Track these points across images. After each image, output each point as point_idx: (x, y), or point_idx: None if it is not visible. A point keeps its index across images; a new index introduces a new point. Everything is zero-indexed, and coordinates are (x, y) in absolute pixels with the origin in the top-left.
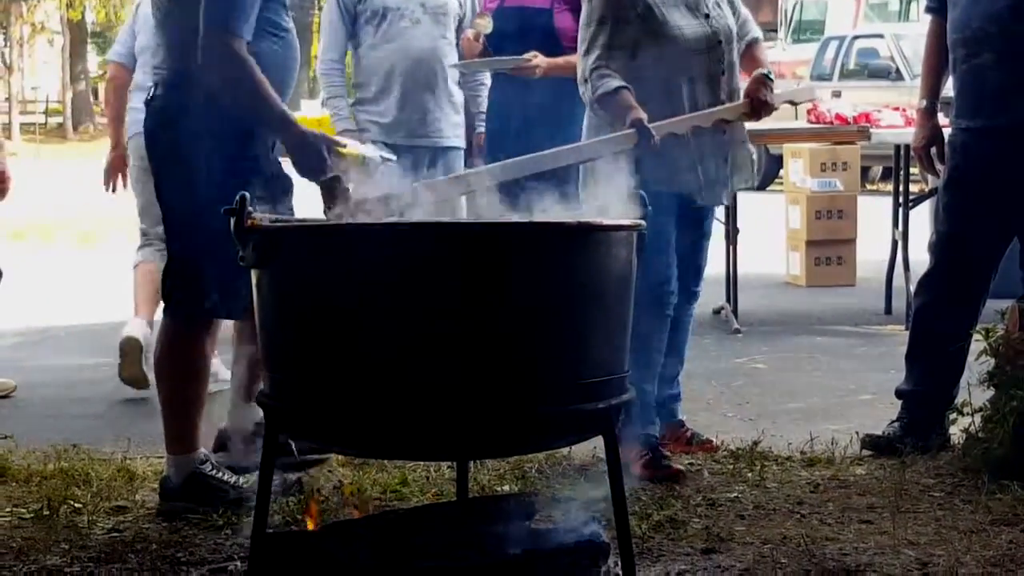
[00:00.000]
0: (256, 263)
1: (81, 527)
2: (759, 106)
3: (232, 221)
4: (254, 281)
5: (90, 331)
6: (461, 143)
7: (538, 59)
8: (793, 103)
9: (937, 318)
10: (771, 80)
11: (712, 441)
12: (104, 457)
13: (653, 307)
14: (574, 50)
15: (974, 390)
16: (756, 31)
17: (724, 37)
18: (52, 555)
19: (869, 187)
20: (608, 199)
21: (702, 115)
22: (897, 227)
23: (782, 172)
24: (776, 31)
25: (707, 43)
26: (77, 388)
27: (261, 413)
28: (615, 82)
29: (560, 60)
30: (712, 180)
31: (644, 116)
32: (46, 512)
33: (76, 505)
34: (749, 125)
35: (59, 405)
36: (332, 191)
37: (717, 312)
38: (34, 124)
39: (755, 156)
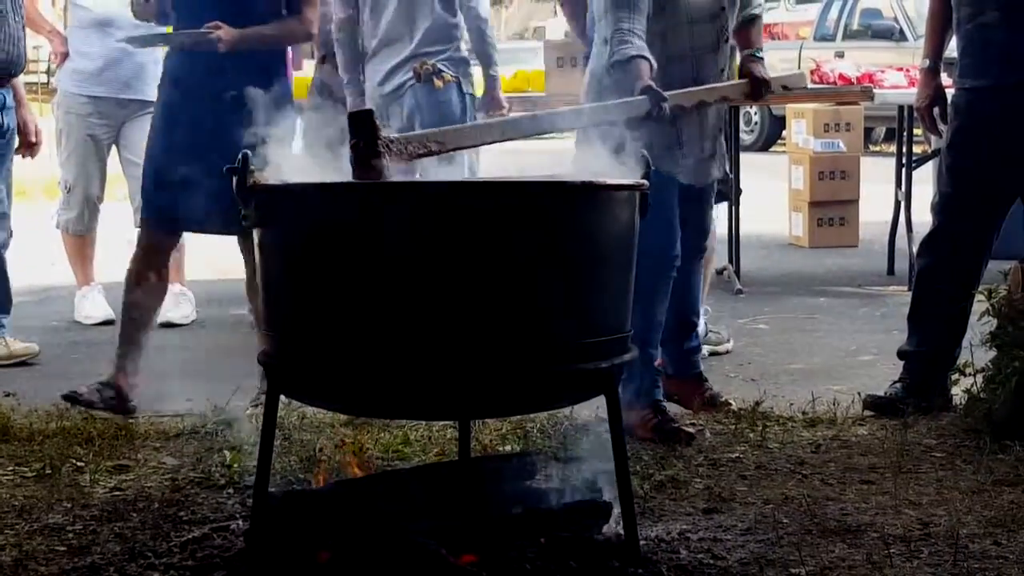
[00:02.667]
0: (258, 222)
1: (83, 486)
2: (759, 84)
3: (234, 180)
4: (256, 241)
5: None
6: None
7: (222, 31)
8: (787, 88)
9: (939, 279)
10: (761, 59)
11: (727, 403)
12: (106, 416)
13: (656, 270)
14: (272, 16)
15: (976, 351)
16: (759, 5)
17: (727, 2)
18: (54, 513)
19: (872, 148)
20: (604, 162)
21: (707, 89)
22: (900, 188)
23: (785, 133)
24: None
25: (710, 11)
26: (79, 347)
27: None
28: (632, 50)
29: (251, 32)
30: (704, 159)
31: (654, 84)
32: (48, 471)
33: (78, 464)
34: None
35: (61, 365)
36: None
37: (720, 273)
38: (36, 84)
39: (725, 149)
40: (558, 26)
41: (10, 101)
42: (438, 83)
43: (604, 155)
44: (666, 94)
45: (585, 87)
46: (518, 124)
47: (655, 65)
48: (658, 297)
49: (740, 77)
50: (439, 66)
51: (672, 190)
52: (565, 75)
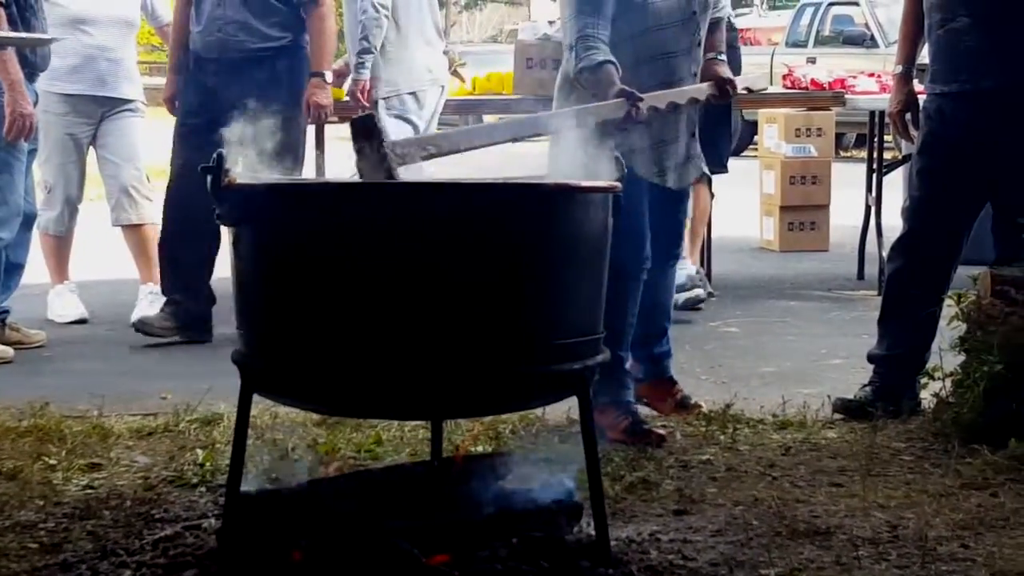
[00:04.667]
0: (232, 221)
1: (55, 483)
2: (724, 84)
3: (208, 179)
4: (230, 240)
5: None
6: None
7: None
8: (750, 90)
9: (909, 283)
10: (723, 62)
11: (698, 405)
12: (78, 415)
13: (626, 274)
14: None
15: (945, 355)
16: (725, 8)
17: (699, 7)
18: (26, 511)
19: (843, 153)
20: (577, 163)
21: (677, 92)
22: (871, 193)
23: (756, 138)
24: None
25: (681, 16)
26: (52, 346)
27: None
28: (599, 56)
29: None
30: (682, 162)
31: (627, 87)
32: (20, 469)
33: (50, 462)
34: None
35: (32, 363)
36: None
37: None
38: None
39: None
40: (530, 29)
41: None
42: None
43: (578, 157)
44: (646, 96)
45: (557, 89)
46: (507, 128)
47: (620, 71)
48: (629, 300)
49: (704, 80)
50: None
51: (642, 194)
52: (535, 76)
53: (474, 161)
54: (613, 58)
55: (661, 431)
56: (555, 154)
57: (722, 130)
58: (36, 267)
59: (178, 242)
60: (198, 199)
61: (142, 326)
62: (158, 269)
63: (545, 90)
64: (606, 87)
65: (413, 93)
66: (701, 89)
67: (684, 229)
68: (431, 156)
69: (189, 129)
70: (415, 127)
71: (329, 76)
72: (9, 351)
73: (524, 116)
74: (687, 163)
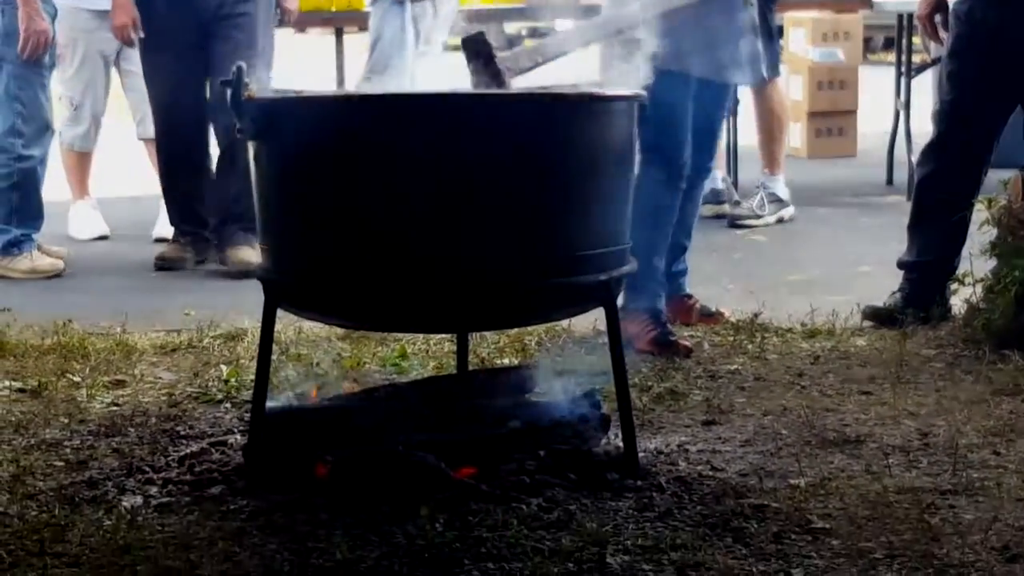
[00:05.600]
0: (253, 135)
1: (79, 401)
2: None
3: (229, 92)
4: (252, 154)
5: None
6: None
7: None
8: None
9: (939, 188)
10: None
11: (720, 313)
12: (101, 332)
13: (666, 180)
14: None
15: (976, 260)
16: None
17: None
18: (51, 428)
19: (871, 57)
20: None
21: None
22: (899, 97)
23: (782, 42)
24: None
25: None
26: (74, 262)
27: None
28: None
29: None
30: (746, 57)
31: None
32: (45, 387)
33: (74, 379)
34: None
35: (56, 280)
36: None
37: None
38: None
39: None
40: None
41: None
42: None
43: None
44: None
45: None
46: (595, 28)
47: None
48: (665, 207)
49: None
50: None
51: (687, 100)
52: None
53: None
54: None
55: (687, 342)
56: (604, 55)
57: (764, 32)
58: (56, 184)
59: (176, 171)
60: (186, 124)
61: (162, 263)
62: None
63: None
64: None
65: None
66: None
67: (718, 140)
68: (538, 64)
69: (164, 49)
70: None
71: None
72: (59, 263)
73: (605, 15)
74: (750, 60)
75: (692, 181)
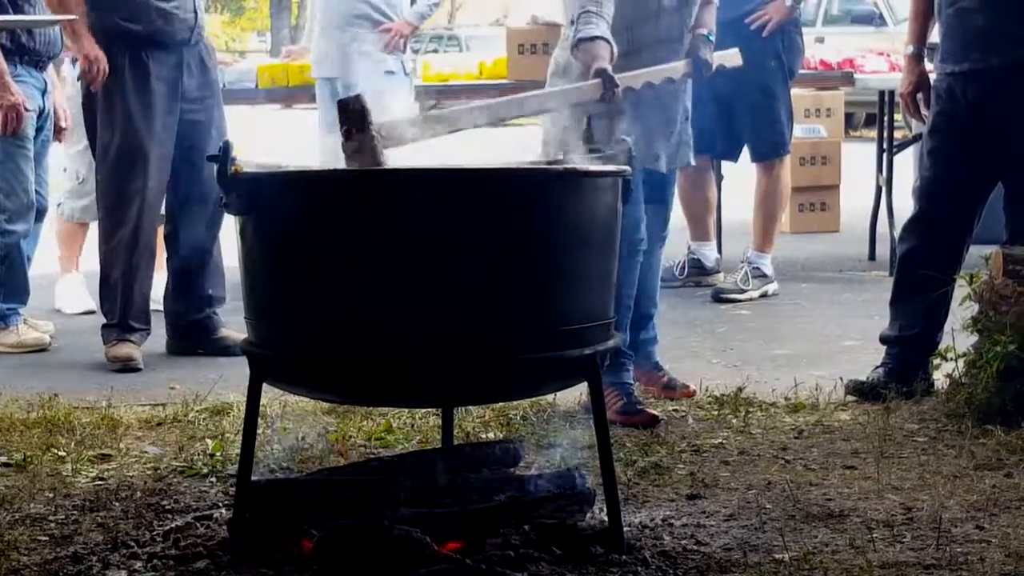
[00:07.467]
0: (239, 210)
1: (65, 475)
2: (700, 65)
3: (215, 168)
4: (237, 229)
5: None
6: None
7: None
8: (724, 67)
9: (921, 263)
10: (711, 42)
11: (690, 387)
12: (87, 405)
13: (626, 255)
14: None
15: (958, 335)
16: None
17: None
18: (36, 503)
19: (853, 133)
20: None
21: (653, 71)
22: (881, 173)
23: None
24: None
25: (679, 1)
26: (61, 336)
27: None
28: (596, 30)
29: None
30: (675, 146)
31: (609, 68)
32: (29, 461)
33: (59, 453)
34: None
35: (40, 355)
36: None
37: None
38: None
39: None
40: (521, 15)
41: (50, 86)
42: None
43: (574, 141)
44: (622, 76)
45: (549, 75)
46: (488, 110)
47: (616, 51)
48: (625, 280)
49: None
50: None
51: (638, 176)
52: (527, 61)
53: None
54: (610, 36)
55: (655, 411)
56: (549, 137)
57: (785, 109)
58: (43, 257)
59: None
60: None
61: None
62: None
63: (540, 74)
64: (591, 62)
65: None
66: (676, 68)
67: (670, 211)
68: (424, 138)
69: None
70: None
71: None
72: (45, 338)
73: (504, 98)
74: (679, 148)
75: (651, 251)
